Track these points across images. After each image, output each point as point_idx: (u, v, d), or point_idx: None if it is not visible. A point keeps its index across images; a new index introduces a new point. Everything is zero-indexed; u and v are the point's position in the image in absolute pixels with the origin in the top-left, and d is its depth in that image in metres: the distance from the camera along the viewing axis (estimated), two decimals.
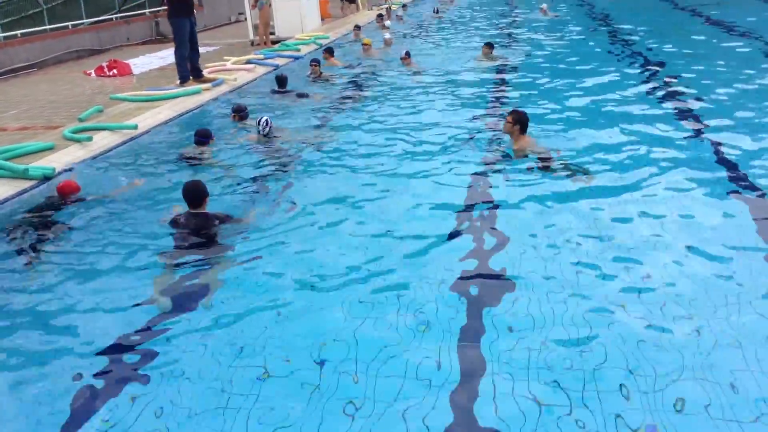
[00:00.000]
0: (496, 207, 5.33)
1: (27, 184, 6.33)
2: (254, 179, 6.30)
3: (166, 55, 14.73)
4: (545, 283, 4.06)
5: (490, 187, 5.81)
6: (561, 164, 6.13)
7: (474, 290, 4.03)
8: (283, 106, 9.44)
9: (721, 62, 11.21)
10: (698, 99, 8.67)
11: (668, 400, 2.96)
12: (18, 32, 14.46)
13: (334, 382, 3.20)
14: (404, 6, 24.65)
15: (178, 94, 9.86)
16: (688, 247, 4.42)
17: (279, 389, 3.18)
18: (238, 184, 6.17)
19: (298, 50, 14.28)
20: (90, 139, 7.56)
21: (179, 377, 3.32)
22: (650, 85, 9.73)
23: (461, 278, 4.15)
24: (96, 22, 17.08)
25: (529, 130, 6.55)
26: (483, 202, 5.45)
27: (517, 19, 19.90)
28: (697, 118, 7.73)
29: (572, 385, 3.09)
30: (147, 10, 19.32)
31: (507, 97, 9.36)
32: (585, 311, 3.71)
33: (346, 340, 3.54)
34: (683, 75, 10.22)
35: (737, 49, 12.56)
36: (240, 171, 6.56)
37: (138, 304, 4.05)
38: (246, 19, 17.19)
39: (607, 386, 3.08)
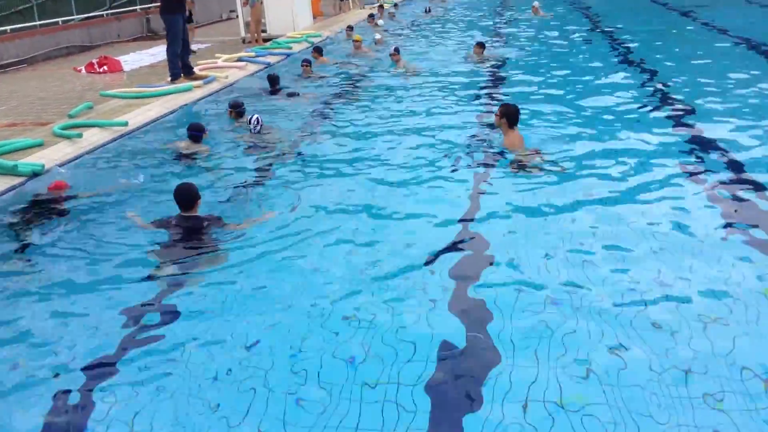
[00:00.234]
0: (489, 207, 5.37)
1: (16, 180, 6.32)
2: (245, 180, 6.28)
3: (157, 52, 14.69)
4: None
5: (481, 184, 5.83)
6: (537, 163, 6.17)
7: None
8: (274, 104, 9.45)
9: (709, 60, 11.43)
10: (691, 98, 8.75)
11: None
12: (7, 28, 14.38)
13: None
14: (396, 5, 24.68)
15: (169, 92, 9.85)
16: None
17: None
18: (232, 186, 6.12)
19: (290, 48, 14.28)
20: (80, 135, 7.54)
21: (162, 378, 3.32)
22: (642, 85, 9.81)
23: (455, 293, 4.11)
24: (86, 18, 17.00)
25: (521, 128, 6.60)
26: (473, 204, 5.48)
27: (509, 18, 19.96)
28: (690, 119, 7.82)
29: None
30: (138, 7, 19.26)
31: (498, 96, 9.41)
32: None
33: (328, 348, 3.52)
34: (677, 76, 10.29)
35: (725, 47, 12.70)
36: (232, 171, 6.54)
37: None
38: (238, 16, 17.17)
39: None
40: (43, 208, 5.63)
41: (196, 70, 11.06)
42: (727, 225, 4.79)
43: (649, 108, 8.45)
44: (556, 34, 16.08)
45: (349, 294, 4.05)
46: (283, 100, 9.68)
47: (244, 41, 16.18)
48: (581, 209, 5.18)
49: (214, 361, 3.42)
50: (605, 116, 8.15)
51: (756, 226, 4.74)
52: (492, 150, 6.68)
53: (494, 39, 15.37)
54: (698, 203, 5.21)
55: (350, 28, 16.67)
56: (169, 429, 2.95)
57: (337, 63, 12.85)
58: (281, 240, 4.80)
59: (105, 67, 12.77)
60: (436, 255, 4.48)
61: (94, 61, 12.98)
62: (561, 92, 9.53)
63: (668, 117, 7.95)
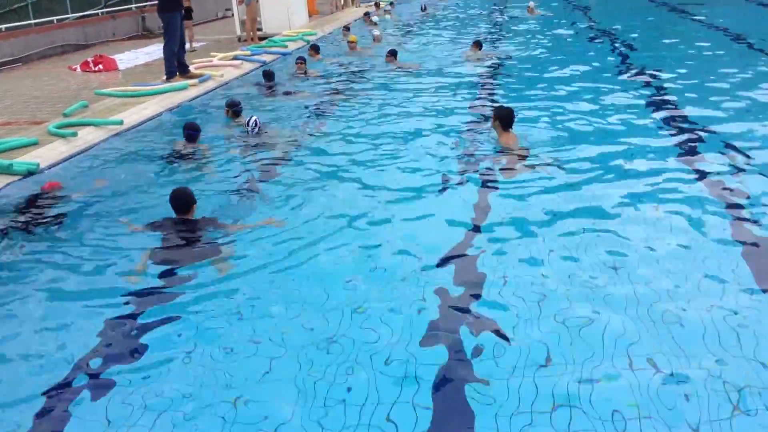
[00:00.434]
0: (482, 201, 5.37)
1: (10, 179, 6.30)
2: (242, 181, 6.25)
3: (152, 51, 14.66)
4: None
5: (476, 188, 5.80)
6: (528, 165, 6.12)
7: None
8: (270, 103, 9.44)
9: (710, 58, 11.43)
10: (687, 99, 8.77)
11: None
12: (2, 26, 14.33)
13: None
14: (392, 3, 24.67)
15: (165, 90, 9.82)
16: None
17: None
18: (229, 186, 6.09)
19: (286, 47, 14.26)
20: (75, 134, 7.52)
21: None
22: (636, 84, 9.82)
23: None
24: (81, 16, 16.95)
25: (516, 126, 6.59)
26: (467, 199, 5.49)
27: (505, 17, 19.97)
28: (690, 119, 7.83)
29: None
30: (133, 5, 19.21)
31: (495, 95, 9.41)
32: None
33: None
34: (671, 74, 10.31)
35: (725, 46, 12.73)
36: (229, 172, 6.50)
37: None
38: (233, 15, 17.14)
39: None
40: (37, 208, 5.61)
41: (191, 68, 11.03)
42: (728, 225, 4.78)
43: (644, 102, 8.47)
44: (553, 32, 16.10)
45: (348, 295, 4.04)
46: (279, 98, 9.66)
47: (239, 39, 16.15)
48: (579, 212, 5.13)
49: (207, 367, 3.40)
50: (603, 117, 8.11)
51: (750, 221, 4.76)
52: (487, 153, 6.63)
53: (491, 38, 15.37)
54: (701, 206, 5.12)
55: (347, 28, 16.65)
56: None
57: (333, 61, 12.83)
58: (280, 243, 4.77)
59: (100, 66, 12.73)
60: (436, 258, 4.45)
61: (89, 59, 12.94)
62: (558, 92, 9.50)
63: (667, 117, 7.95)
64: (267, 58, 12.96)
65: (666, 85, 9.64)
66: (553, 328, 3.54)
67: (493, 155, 6.51)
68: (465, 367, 3.26)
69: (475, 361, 3.29)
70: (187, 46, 12.39)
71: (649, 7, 20.88)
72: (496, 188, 5.69)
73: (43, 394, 3.19)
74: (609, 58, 12.26)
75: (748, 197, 5.25)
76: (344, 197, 5.70)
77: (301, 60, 11.51)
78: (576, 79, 10.37)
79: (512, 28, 17.34)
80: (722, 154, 6.36)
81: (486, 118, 7.73)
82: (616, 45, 13.73)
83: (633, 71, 10.75)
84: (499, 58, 12.43)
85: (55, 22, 15.82)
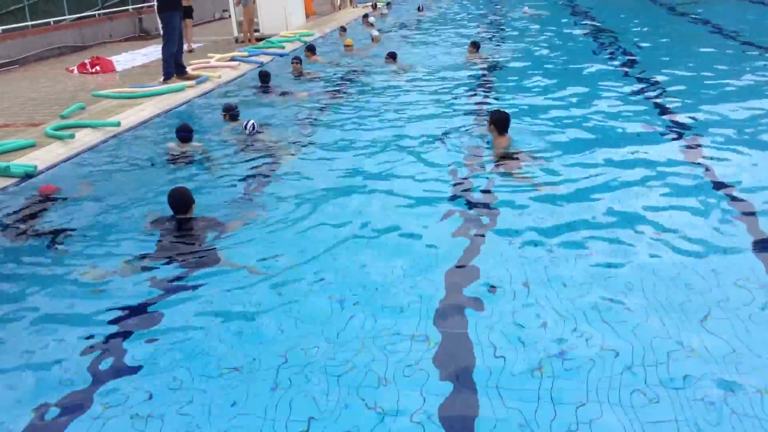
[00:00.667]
0: (477, 206, 5.38)
1: (8, 181, 6.30)
2: (239, 180, 6.27)
3: (149, 52, 14.66)
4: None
5: (471, 188, 5.82)
6: (526, 173, 6.04)
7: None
8: (266, 104, 9.44)
9: (705, 59, 11.46)
10: (687, 99, 8.77)
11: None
12: None
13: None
14: (389, 4, 24.68)
15: (162, 92, 9.83)
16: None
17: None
18: (227, 187, 6.10)
19: (283, 47, 14.27)
20: (72, 136, 7.52)
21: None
22: (634, 84, 9.84)
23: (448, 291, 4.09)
24: (78, 18, 16.93)
25: (512, 129, 6.59)
26: (465, 201, 5.50)
27: (502, 18, 19.98)
28: (682, 119, 7.85)
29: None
30: (130, 7, 19.19)
31: (491, 97, 9.42)
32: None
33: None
34: (668, 74, 10.33)
35: (724, 46, 12.75)
36: (226, 172, 6.52)
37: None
38: (230, 15, 17.13)
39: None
40: (34, 211, 5.62)
41: (188, 69, 11.02)
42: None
43: (644, 102, 8.48)
44: (549, 33, 16.09)
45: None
46: (275, 99, 9.67)
47: (236, 41, 16.15)
48: (577, 218, 5.10)
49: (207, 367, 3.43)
50: (600, 116, 8.12)
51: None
52: (483, 157, 6.60)
53: (488, 38, 15.37)
54: (702, 212, 5.09)
55: (343, 29, 16.64)
56: None
57: (329, 62, 12.84)
58: (279, 243, 4.80)
59: (97, 68, 12.72)
60: (435, 261, 4.47)
61: (87, 61, 12.93)
62: (556, 93, 9.50)
63: (665, 113, 7.98)
64: (264, 59, 12.96)
65: (665, 85, 9.66)
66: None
67: (489, 161, 6.48)
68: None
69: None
70: (186, 47, 12.39)
71: (650, 7, 20.91)
72: (493, 194, 5.67)
73: (33, 410, 3.15)
74: (608, 59, 12.25)
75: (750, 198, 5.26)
76: (341, 198, 5.70)
77: (297, 60, 11.52)
78: (574, 80, 10.37)
79: (509, 28, 17.35)
80: (722, 154, 6.38)
81: (482, 121, 7.74)
82: (616, 45, 13.73)
83: (632, 71, 10.78)
84: (496, 59, 12.43)
85: (51, 23, 15.81)
